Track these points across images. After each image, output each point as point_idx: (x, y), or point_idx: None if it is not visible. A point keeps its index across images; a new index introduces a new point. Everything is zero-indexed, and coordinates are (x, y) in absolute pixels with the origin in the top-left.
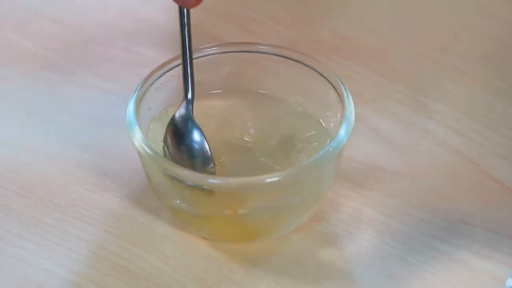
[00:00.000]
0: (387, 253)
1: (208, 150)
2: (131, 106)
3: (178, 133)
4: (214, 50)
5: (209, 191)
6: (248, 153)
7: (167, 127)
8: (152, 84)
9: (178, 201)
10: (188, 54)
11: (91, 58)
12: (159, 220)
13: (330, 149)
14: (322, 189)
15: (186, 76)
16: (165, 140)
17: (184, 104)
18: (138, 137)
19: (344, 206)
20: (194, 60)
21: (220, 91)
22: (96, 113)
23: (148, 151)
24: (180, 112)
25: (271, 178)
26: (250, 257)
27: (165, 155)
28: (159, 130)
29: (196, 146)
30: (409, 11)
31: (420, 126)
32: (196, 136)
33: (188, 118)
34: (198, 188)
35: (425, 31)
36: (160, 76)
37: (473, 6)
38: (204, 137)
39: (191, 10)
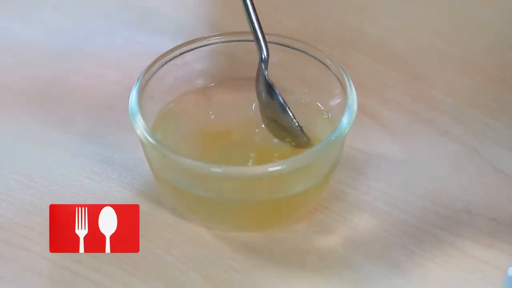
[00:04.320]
0: (389, 242)
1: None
2: (133, 95)
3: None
4: (217, 39)
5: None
6: (251, 142)
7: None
8: (154, 73)
9: (181, 190)
10: (254, 14)
11: (93, 48)
12: (161, 209)
13: (332, 138)
14: (325, 178)
15: (257, 36)
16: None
17: (261, 65)
18: (140, 126)
19: (346, 195)
20: (196, 50)
21: (223, 79)
22: (98, 102)
23: (150, 139)
24: (258, 73)
25: (274, 167)
26: (252, 246)
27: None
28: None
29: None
30: (412, 1)
31: (423, 115)
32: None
33: (263, 79)
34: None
35: (428, 21)
36: (163, 65)
37: None
38: (279, 94)
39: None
